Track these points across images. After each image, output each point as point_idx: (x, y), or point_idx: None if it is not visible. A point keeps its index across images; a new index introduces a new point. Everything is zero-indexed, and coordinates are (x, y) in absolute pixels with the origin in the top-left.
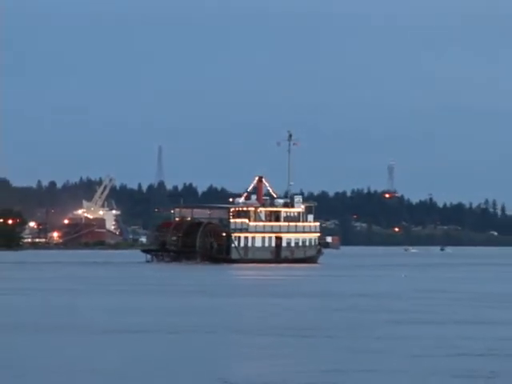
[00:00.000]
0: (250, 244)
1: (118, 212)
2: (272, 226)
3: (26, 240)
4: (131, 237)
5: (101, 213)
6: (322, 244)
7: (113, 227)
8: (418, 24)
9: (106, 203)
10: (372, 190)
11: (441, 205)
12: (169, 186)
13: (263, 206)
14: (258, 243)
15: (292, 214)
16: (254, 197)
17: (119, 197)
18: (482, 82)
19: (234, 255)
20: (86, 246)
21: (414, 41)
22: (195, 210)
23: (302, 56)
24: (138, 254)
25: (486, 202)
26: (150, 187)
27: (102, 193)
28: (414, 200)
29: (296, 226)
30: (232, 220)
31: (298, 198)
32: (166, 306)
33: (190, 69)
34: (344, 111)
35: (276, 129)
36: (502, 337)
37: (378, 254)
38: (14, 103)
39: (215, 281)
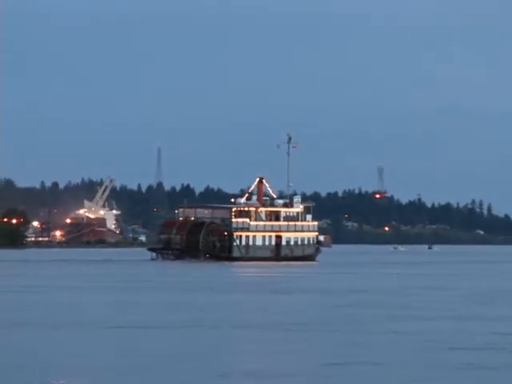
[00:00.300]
0: (251, 242)
1: (119, 212)
2: (272, 226)
3: (29, 239)
4: (131, 235)
5: (102, 212)
6: None
7: (113, 226)
8: (418, 24)
9: (106, 203)
10: (363, 190)
11: (429, 205)
12: (167, 187)
13: (264, 206)
14: (259, 242)
15: (291, 214)
16: (254, 197)
17: (119, 197)
18: (482, 82)
19: (236, 253)
20: (88, 244)
21: (414, 41)
22: (198, 209)
23: (301, 56)
24: (143, 252)
25: (473, 202)
26: (149, 188)
27: (103, 193)
28: (404, 200)
29: (295, 225)
30: (234, 219)
31: (296, 199)
32: (170, 302)
33: (190, 69)
34: (343, 111)
35: (275, 129)
36: (497, 332)
37: (368, 252)
38: (14, 103)
39: (218, 278)
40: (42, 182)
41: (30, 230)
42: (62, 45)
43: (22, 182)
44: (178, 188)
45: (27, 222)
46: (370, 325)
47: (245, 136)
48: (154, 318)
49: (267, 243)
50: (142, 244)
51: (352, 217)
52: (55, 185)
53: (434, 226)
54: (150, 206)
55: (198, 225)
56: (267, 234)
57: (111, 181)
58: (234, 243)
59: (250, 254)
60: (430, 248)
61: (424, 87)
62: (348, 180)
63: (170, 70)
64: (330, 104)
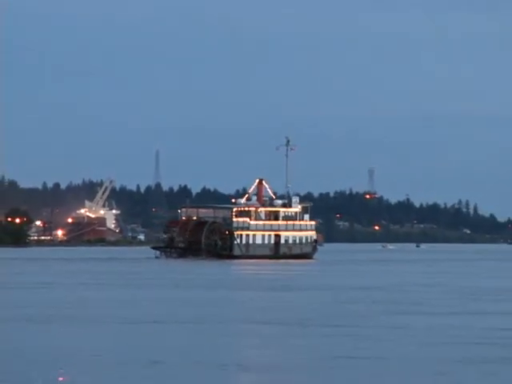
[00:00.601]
0: (251, 241)
1: (118, 211)
2: (271, 225)
3: (32, 238)
4: (130, 234)
5: (102, 212)
6: None
7: (113, 226)
8: (417, 24)
9: (106, 203)
10: (354, 191)
11: (417, 205)
12: (165, 188)
13: (263, 206)
14: (259, 240)
15: (290, 214)
16: (254, 198)
17: (119, 197)
18: (482, 84)
19: (237, 252)
20: (88, 243)
21: (409, 44)
22: (200, 209)
23: (302, 56)
24: (144, 251)
25: (460, 202)
26: (148, 188)
27: (103, 193)
28: (393, 200)
29: (293, 224)
30: (234, 219)
31: (295, 199)
32: (174, 298)
33: (189, 71)
34: (334, 115)
35: (272, 132)
36: (493, 327)
37: (359, 250)
38: (15, 103)
39: (219, 275)
40: (44, 183)
41: (33, 229)
42: (61, 45)
43: (24, 183)
44: (175, 189)
45: (30, 222)
46: (369, 320)
47: (241, 138)
48: (160, 313)
49: (267, 242)
50: (140, 243)
51: (343, 216)
52: (57, 185)
53: (422, 226)
54: (149, 206)
55: (200, 224)
56: (267, 233)
57: (111, 181)
58: (235, 242)
59: (250, 253)
60: (417, 246)
61: (413, 92)
62: (340, 181)
63: (169, 72)
64: (321, 107)
